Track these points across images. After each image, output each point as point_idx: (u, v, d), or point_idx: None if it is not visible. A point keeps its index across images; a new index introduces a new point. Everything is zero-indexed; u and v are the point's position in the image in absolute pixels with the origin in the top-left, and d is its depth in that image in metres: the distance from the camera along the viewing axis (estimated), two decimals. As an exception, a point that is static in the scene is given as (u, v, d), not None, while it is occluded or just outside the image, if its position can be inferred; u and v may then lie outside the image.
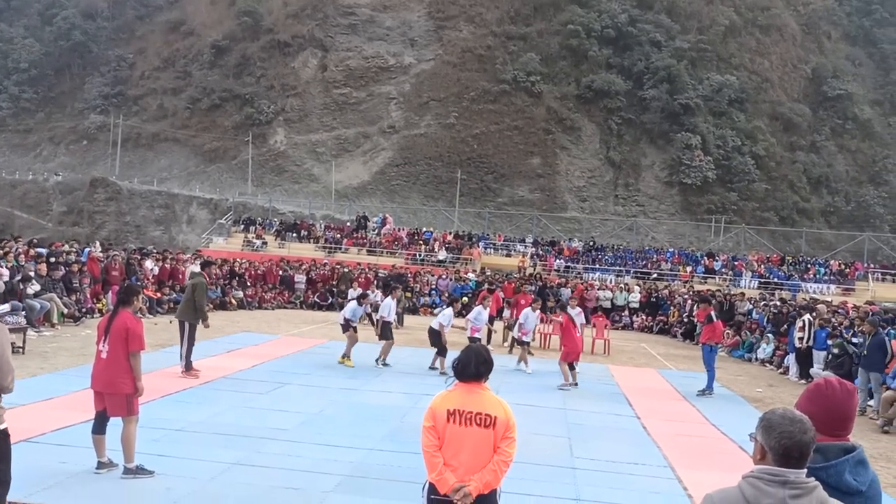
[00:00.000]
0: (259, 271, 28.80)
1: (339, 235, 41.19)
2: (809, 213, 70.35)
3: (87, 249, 22.42)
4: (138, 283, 18.59)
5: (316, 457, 7.78)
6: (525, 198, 67.18)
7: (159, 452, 7.36)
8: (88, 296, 19.02)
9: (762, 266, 37.86)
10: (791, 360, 17.62)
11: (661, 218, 66.77)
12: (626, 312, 29.61)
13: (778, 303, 24.05)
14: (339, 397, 11.15)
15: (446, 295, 27.96)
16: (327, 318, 24.01)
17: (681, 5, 79.43)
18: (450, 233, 43.38)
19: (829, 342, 15.46)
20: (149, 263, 22.90)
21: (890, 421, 11.60)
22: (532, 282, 28.76)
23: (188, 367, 11.85)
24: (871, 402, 12.87)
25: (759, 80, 76.42)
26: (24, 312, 14.89)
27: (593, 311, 26.72)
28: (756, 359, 20.39)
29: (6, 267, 15.68)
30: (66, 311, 17.05)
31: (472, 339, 14.18)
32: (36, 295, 16.04)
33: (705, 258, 38.99)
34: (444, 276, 31.46)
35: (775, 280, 35.49)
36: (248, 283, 27.13)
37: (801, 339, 16.73)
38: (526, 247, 40.64)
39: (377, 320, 15.23)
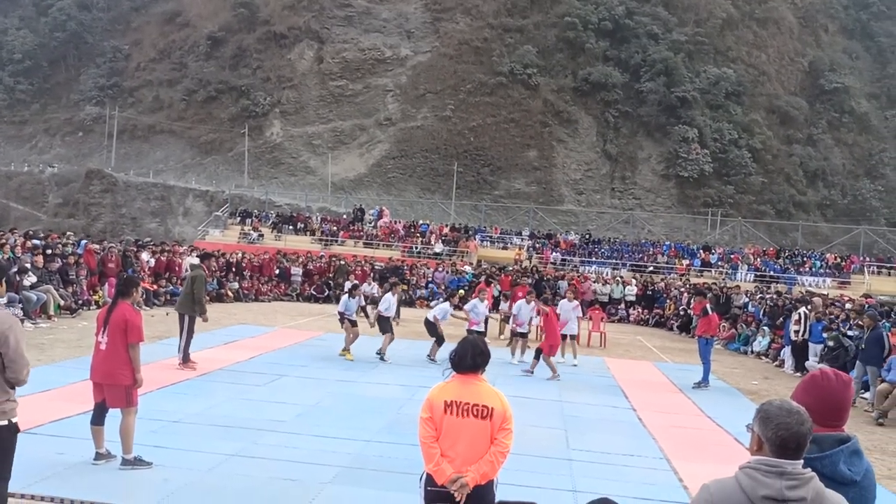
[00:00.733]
0: (256, 263, 28.78)
1: (335, 228, 41.17)
2: (806, 207, 70.40)
3: (83, 241, 22.39)
4: (136, 276, 18.57)
5: (313, 448, 7.81)
6: (521, 190, 67.14)
7: (157, 444, 7.38)
8: (85, 288, 19.00)
9: (758, 259, 37.94)
10: (787, 352, 17.68)
11: (657, 211, 66.79)
12: (623, 305, 29.66)
13: (774, 296, 24.13)
14: (337, 389, 11.17)
15: (443, 288, 27.98)
16: (324, 310, 24.02)
17: (678, -3, 79.32)
18: (446, 225, 43.36)
19: (825, 335, 15.51)
20: (145, 255, 22.88)
21: (885, 413, 11.67)
22: (529, 275, 28.79)
23: (186, 360, 11.86)
24: (867, 395, 12.93)
25: (756, 73, 76.33)
26: (20, 304, 14.90)
27: (590, 304, 26.78)
28: (752, 352, 20.46)
29: (2, 259, 15.64)
30: (62, 303, 17.03)
31: (470, 332, 14.24)
32: (32, 287, 16.03)
33: (701, 251, 39.05)
34: (440, 269, 31.48)
35: (771, 273, 35.57)
36: (245, 276, 27.11)
37: (796, 331, 16.78)
38: (522, 240, 40.67)
39: (375, 313, 15.28)
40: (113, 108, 76.02)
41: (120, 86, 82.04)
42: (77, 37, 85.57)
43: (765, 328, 20.47)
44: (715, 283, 29.57)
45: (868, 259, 39.32)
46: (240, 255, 28.77)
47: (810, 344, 16.48)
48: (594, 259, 37.54)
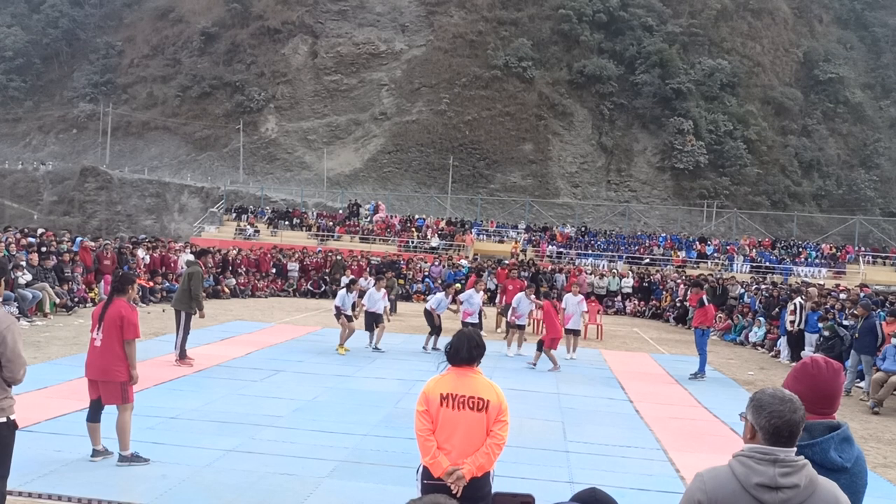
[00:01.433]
0: (252, 259, 28.74)
1: (331, 223, 41.14)
2: (801, 197, 70.52)
3: (78, 239, 22.35)
4: (132, 272, 18.54)
5: (310, 443, 7.82)
6: (517, 184, 67.13)
7: (154, 440, 7.39)
8: (81, 285, 18.98)
9: (754, 250, 38.03)
10: (783, 343, 17.73)
11: (653, 203, 66.86)
12: (619, 297, 29.70)
13: (770, 286, 24.17)
14: (333, 384, 11.18)
15: (440, 282, 28.01)
16: (320, 305, 24.02)
17: (672, -11, 79.25)
18: (442, 219, 43.35)
19: (821, 325, 15.55)
20: (141, 252, 22.85)
21: (880, 402, 11.72)
22: (525, 268, 28.81)
23: (182, 356, 11.86)
24: (862, 384, 12.98)
25: (751, 64, 76.35)
26: (16, 302, 14.87)
27: (586, 296, 26.77)
28: (748, 342, 20.51)
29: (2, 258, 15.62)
30: (58, 300, 17.01)
31: (465, 324, 14.30)
32: (28, 285, 16.00)
33: (697, 243, 39.11)
34: (436, 263, 31.48)
35: (767, 264, 35.66)
36: (242, 272, 27.08)
37: (792, 322, 16.82)
38: (518, 233, 40.69)
39: (360, 307, 15.38)
40: (107, 105, 75.79)
41: (113, 82, 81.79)
42: (70, 33, 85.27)
43: (760, 319, 20.52)
44: (711, 275, 29.64)
45: (863, 249, 39.44)
46: (236, 251, 28.74)
47: (806, 334, 16.54)
48: (590, 251, 37.59)
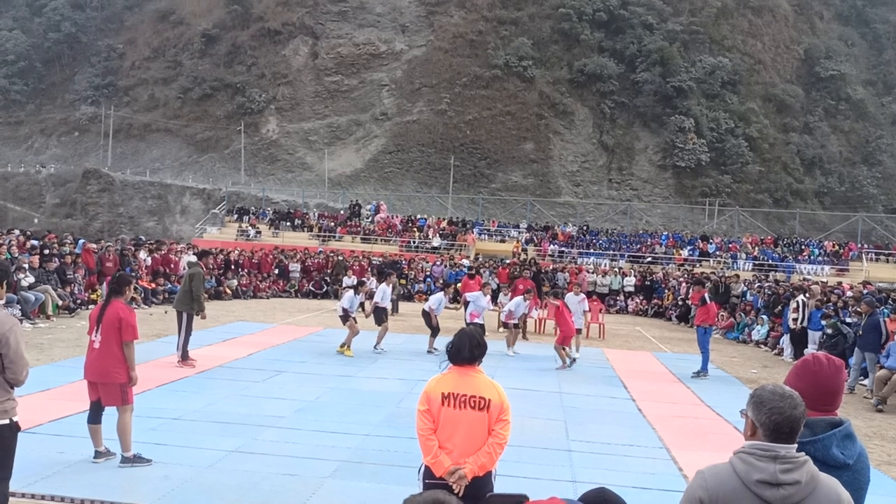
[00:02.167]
0: (254, 261, 28.77)
1: (332, 223, 41.15)
2: (803, 195, 70.43)
3: (81, 241, 22.39)
4: (132, 274, 18.56)
5: (313, 443, 7.82)
6: (519, 183, 67.09)
7: (157, 441, 7.40)
8: (83, 287, 19.00)
9: (756, 248, 37.97)
10: (786, 340, 17.70)
11: (654, 201, 66.80)
12: (621, 296, 29.69)
13: (772, 284, 24.14)
14: (336, 384, 11.18)
15: (441, 281, 28.00)
16: (322, 306, 24.04)
17: (672, -13, 79.16)
18: (444, 219, 43.35)
19: (824, 323, 15.52)
20: (143, 254, 22.88)
21: (884, 399, 11.69)
22: (527, 267, 28.80)
23: (184, 357, 11.86)
24: (865, 382, 12.95)
25: (752, 61, 76.24)
26: (18, 305, 14.89)
27: (587, 294, 26.77)
28: (751, 340, 20.48)
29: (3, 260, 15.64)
30: (60, 302, 17.04)
31: (468, 324, 14.32)
32: (30, 287, 16.02)
33: (699, 241, 39.07)
34: (438, 263, 31.47)
35: (769, 262, 35.61)
36: (243, 273, 27.10)
37: (795, 319, 16.79)
38: (520, 232, 40.67)
39: (372, 305, 15.38)
40: (108, 108, 75.88)
41: (115, 85, 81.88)
42: (71, 37, 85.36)
43: (763, 317, 20.49)
44: (713, 273, 29.59)
45: (866, 246, 39.36)
46: (238, 252, 28.75)
47: (809, 331, 16.50)
48: (592, 250, 37.56)
